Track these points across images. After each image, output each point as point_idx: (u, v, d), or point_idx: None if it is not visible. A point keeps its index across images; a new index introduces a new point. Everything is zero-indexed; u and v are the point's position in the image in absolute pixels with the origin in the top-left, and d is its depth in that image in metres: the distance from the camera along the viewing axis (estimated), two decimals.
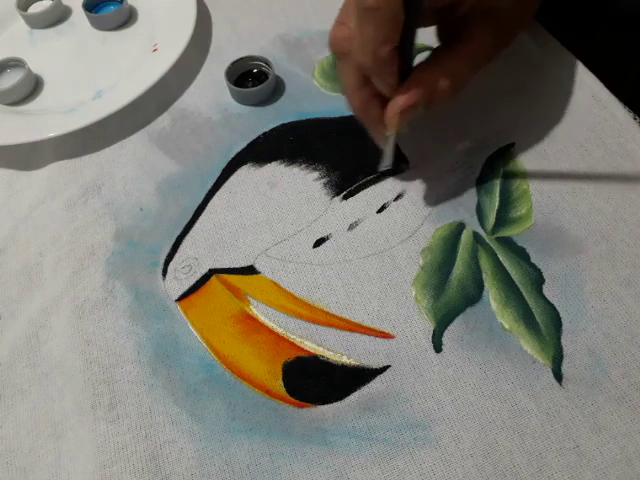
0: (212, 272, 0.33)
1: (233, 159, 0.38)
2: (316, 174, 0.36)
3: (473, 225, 0.33)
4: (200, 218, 0.36)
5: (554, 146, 0.35)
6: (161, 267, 0.34)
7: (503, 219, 0.33)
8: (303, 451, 0.27)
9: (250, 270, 0.33)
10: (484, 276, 0.31)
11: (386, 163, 0.34)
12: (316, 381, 0.29)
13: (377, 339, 0.30)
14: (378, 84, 0.28)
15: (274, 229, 0.35)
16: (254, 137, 0.39)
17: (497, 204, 0.34)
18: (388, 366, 0.29)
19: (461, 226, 0.33)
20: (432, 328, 0.30)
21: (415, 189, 0.35)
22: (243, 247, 0.34)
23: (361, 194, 0.35)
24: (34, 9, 0.49)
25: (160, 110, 0.42)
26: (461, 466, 0.26)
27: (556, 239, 0.32)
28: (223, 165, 0.38)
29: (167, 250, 0.35)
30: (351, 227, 0.34)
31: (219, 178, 0.37)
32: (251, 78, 0.42)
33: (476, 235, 0.33)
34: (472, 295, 0.31)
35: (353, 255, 0.33)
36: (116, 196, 0.37)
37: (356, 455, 0.27)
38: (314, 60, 0.43)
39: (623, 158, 0.34)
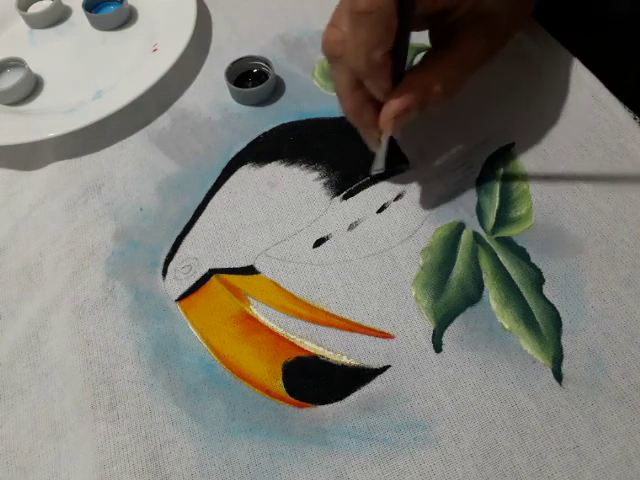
0: (212, 272, 0.33)
1: (233, 159, 0.38)
2: (316, 174, 0.36)
3: (473, 225, 0.33)
4: (200, 218, 0.36)
5: (554, 146, 0.35)
6: (161, 267, 0.34)
7: (503, 219, 0.33)
8: (303, 451, 0.27)
9: (250, 270, 0.33)
10: (484, 276, 0.31)
11: (378, 167, 0.33)
12: (316, 381, 0.29)
13: (377, 339, 0.30)
14: (371, 88, 0.28)
15: (274, 229, 0.35)
16: (254, 137, 0.39)
17: (497, 204, 0.34)
18: (388, 366, 0.29)
19: (461, 226, 0.33)
20: (432, 328, 0.30)
21: (415, 189, 0.35)
22: (243, 247, 0.34)
23: (361, 194, 0.35)
24: (34, 9, 0.49)
25: (160, 110, 0.42)
26: (461, 466, 0.26)
27: (556, 239, 0.32)
28: (223, 165, 0.38)
29: (167, 250, 0.35)
30: (351, 227, 0.34)
31: (219, 178, 0.37)
32: (251, 78, 0.42)
33: (476, 235, 0.33)
34: (472, 295, 0.31)
35: (353, 255, 0.33)
36: (116, 196, 0.37)
37: (356, 455, 0.27)
38: (314, 60, 0.43)
39: (623, 158, 0.34)
